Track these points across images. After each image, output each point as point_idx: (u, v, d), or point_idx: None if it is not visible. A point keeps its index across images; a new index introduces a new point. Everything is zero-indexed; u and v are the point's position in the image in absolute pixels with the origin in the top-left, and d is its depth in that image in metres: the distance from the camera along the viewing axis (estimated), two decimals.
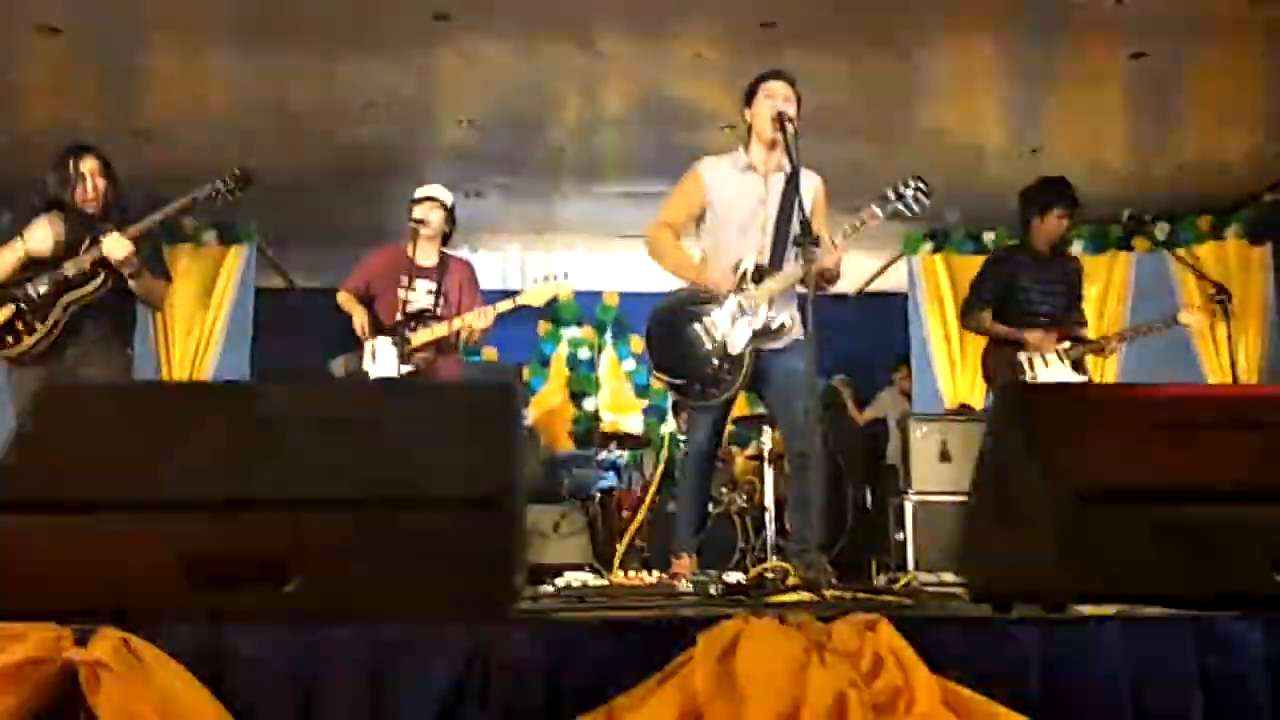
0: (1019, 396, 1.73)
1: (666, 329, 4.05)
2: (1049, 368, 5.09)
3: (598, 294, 9.01)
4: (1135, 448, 1.62)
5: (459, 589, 1.48)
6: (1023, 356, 5.16)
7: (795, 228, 3.68)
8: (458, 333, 4.75)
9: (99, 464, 1.53)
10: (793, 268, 3.90)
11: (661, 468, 7.40)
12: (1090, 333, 5.45)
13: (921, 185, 3.84)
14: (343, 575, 1.47)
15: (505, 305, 4.72)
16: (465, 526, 1.48)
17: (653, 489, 6.49)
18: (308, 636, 1.47)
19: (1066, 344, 5.19)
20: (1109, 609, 1.64)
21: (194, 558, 1.45)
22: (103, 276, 4.10)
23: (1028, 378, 5.07)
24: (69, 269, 4.07)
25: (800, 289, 3.89)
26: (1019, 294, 5.22)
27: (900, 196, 3.84)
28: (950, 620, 1.54)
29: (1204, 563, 1.57)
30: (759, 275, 3.95)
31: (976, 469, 1.83)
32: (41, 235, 4.07)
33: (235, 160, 6.69)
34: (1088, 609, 1.63)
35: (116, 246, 4.03)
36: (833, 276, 3.90)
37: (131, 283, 4.18)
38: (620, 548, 6.08)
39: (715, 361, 3.92)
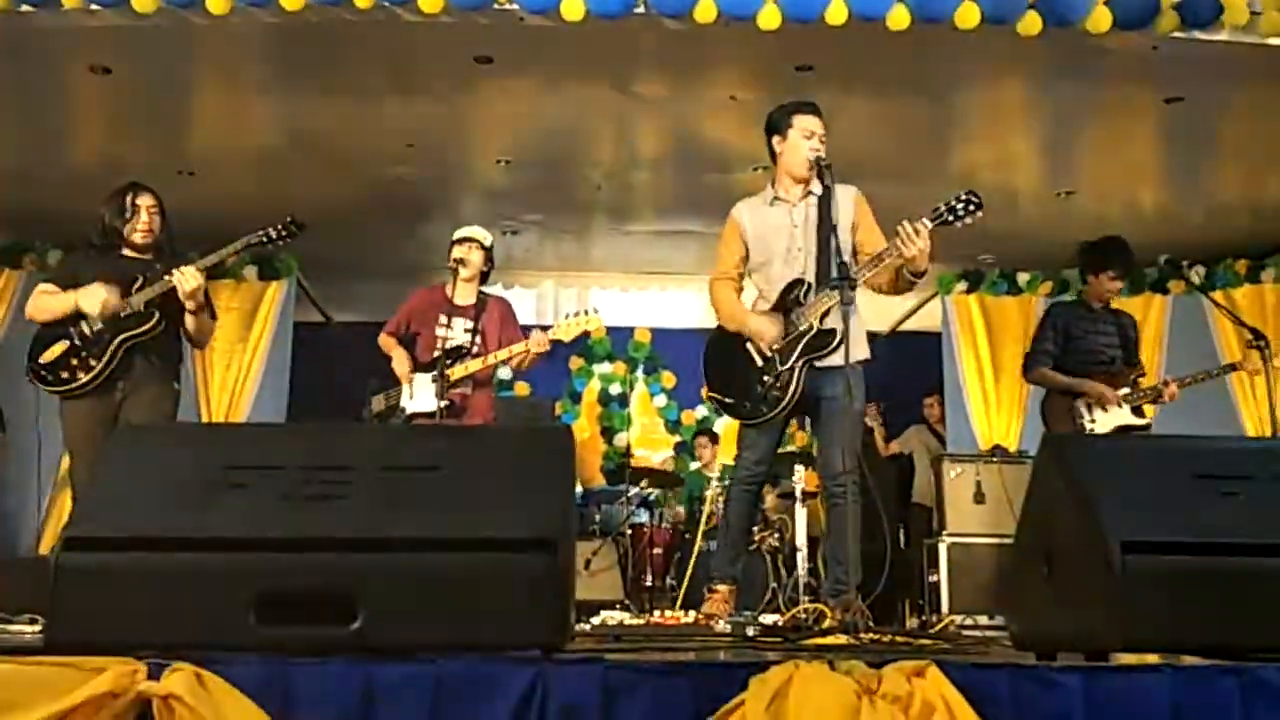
0: (1062, 447, 1.76)
1: (719, 349, 4.13)
2: (1109, 413, 5.22)
3: (630, 330, 9.06)
4: (1178, 499, 1.65)
5: (516, 628, 1.52)
6: (1082, 404, 5.31)
7: (834, 247, 3.72)
8: (493, 367, 4.85)
9: (172, 503, 1.59)
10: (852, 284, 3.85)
11: (692, 506, 7.44)
12: None
13: (974, 198, 3.82)
14: (405, 613, 1.52)
15: (536, 339, 4.77)
16: (523, 568, 1.53)
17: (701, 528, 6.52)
18: (370, 672, 1.51)
19: (1125, 391, 5.30)
20: (1152, 658, 1.66)
21: (263, 595, 1.51)
22: (157, 317, 4.19)
23: (1087, 424, 5.22)
24: (124, 310, 4.17)
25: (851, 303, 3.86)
26: (1077, 345, 5.40)
27: (951, 209, 3.82)
28: (996, 667, 1.57)
29: (1247, 612, 1.59)
30: (808, 294, 3.98)
31: (1021, 517, 1.85)
32: (93, 302, 4.16)
33: (276, 196, 6.94)
34: (1131, 658, 1.65)
35: (189, 278, 4.12)
36: (918, 269, 3.81)
37: (189, 319, 4.26)
38: (650, 585, 6.09)
39: (765, 379, 3.96)
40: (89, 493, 1.59)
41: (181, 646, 1.50)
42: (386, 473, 1.63)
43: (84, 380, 4.15)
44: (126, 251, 4.33)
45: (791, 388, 3.92)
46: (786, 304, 4.00)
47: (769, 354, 3.97)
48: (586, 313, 4.97)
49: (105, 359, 4.15)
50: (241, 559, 1.54)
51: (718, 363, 4.15)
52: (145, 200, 4.34)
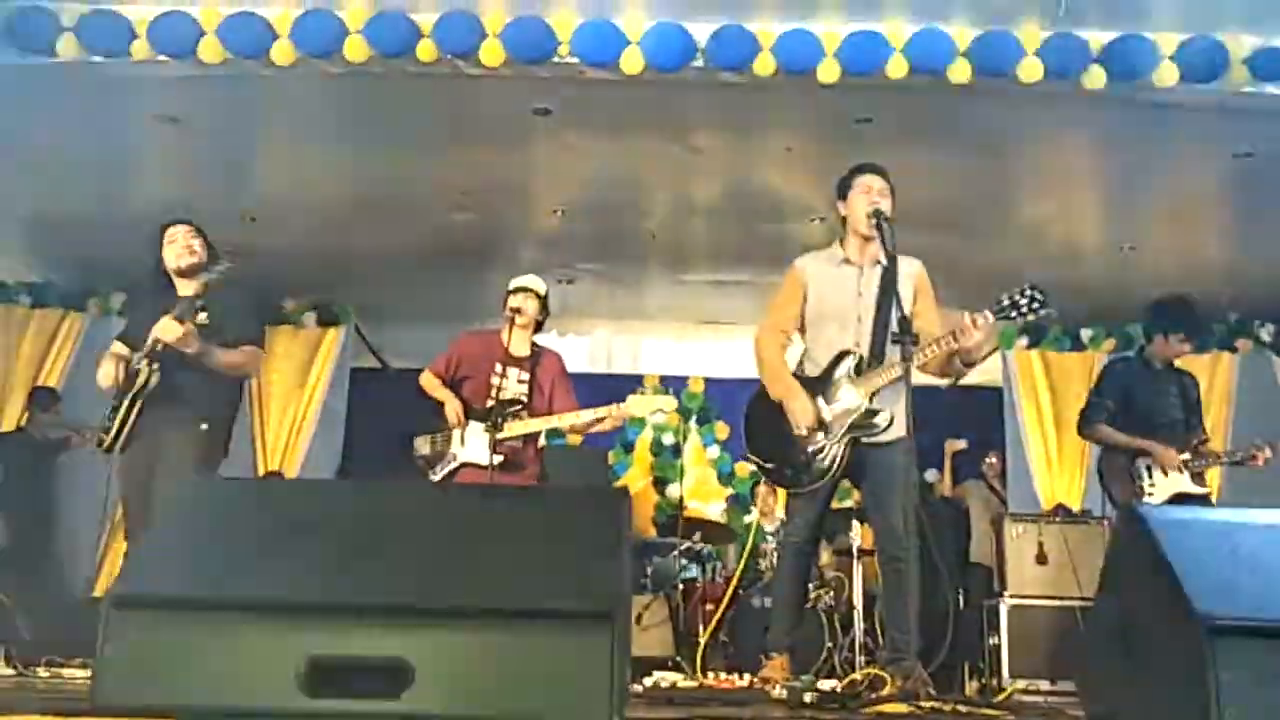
0: (1142, 523, 1.68)
1: (761, 410, 4.05)
2: (1168, 478, 5.06)
3: (683, 380, 9.01)
4: (1267, 578, 1.57)
5: (573, 701, 1.47)
6: (1142, 465, 5.14)
7: (894, 322, 3.65)
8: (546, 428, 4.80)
9: (222, 562, 1.56)
10: (896, 361, 3.82)
11: (746, 561, 7.33)
12: None
13: (1038, 295, 3.75)
14: (458, 685, 1.47)
15: (604, 414, 4.68)
16: (580, 641, 1.48)
17: (734, 583, 6.40)
18: None
19: (1187, 456, 5.16)
20: None
21: (312, 662, 1.47)
22: (149, 369, 4.18)
23: (1146, 487, 5.08)
24: (136, 361, 4.21)
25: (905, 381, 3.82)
26: (1138, 405, 5.27)
27: (1015, 304, 3.77)
28: None
29: None
30: (860, 368, 3.92)
31: (1097, 590, 1.77)
32: (103, 373, 4.26)
33: (336, 244, 7.02)
34: None
35: (166, 330, 4.12)
36: (972, 360, 3.80)
37: (203, 360, 4.23)
38: (703, 643, 5.97)
39: (809, 448, 3.88)
40: (139, 549, 1.57)
41: (227, 713, 1.46)
42: (441, 536, 1.59)
43: (108, 441, 4.20)
44: (181, 288, 4.35)
45: (834, 461, 3.87)
46: (834, 373, 3.93)
47: (805, 432, 3.89)
48: (665, 395, 4.88)
49: (119, 417, 4.18)
50: (293, 622, 1.50)
51: (759, 424, 4.07)
52: (179, 230, 4.41)
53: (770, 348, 4.09)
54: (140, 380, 4.15)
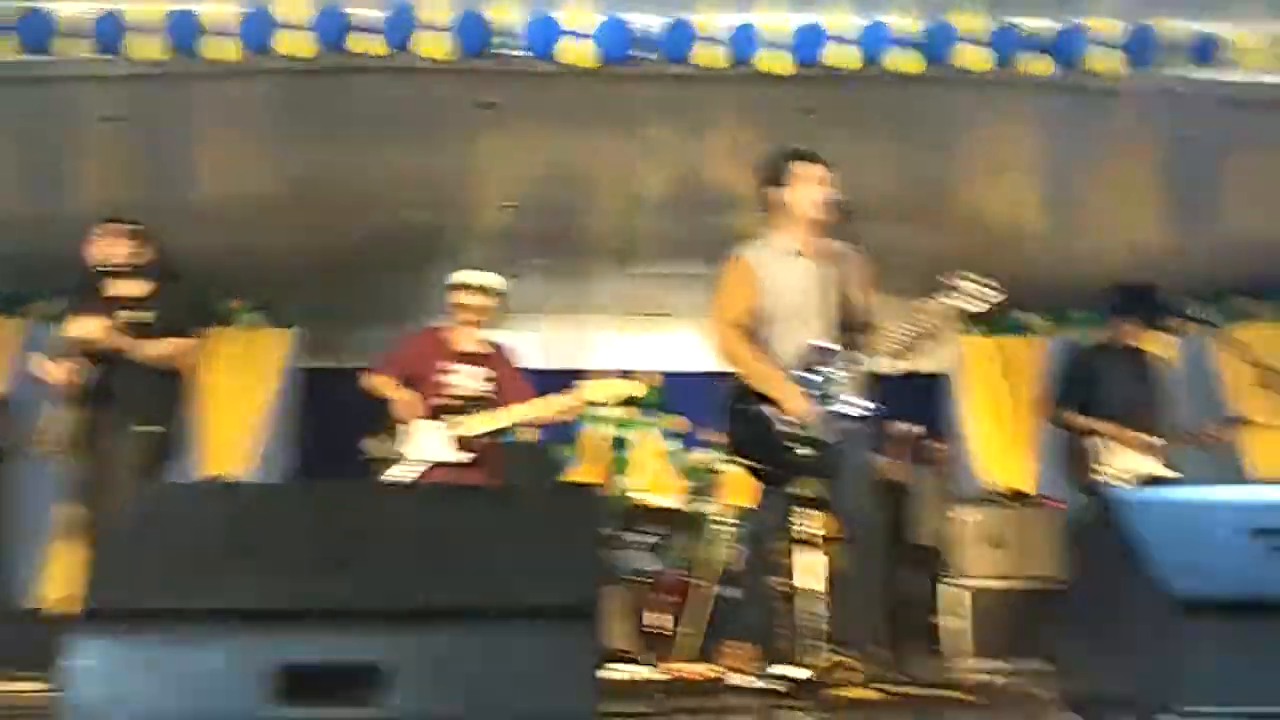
0: (1113, 502, 1.70)
1: (741, 408, 4.02)
2: (1136, 461, 5.15)
3: (632, 374, 8.98)
4: (1236, 556, 1.59)
5: (549, 697, 1.46)
6: (1105, 449, 5.24)
7: (847, 312, 3.70)
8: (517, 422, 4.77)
9: (190, 571, 1.53)
10: (859, 349, 3.89)
11: (703, 552, 7.34)
12: None
13: (993, 282, 3.83)
14: (433, 686, 1.45)
15: (567, 402, 4.65)
16: (556, 637, 1.46)
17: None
18: None
19: (1149, 438, 5.26)
20: None
21: (286, 668, 1.44)
22: (86, 372, 4.08)
23: (1113, 470, 5.11)
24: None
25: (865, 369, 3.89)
26: (1101, 389, 5.36)
27: (975, 290, 3.84)
28: None
29: None
30: (829, 359, 3.94)
31: (1069, 575, 1.79)
32: (86, 327, 4.17)
33: (279, 242, 6.92)
34: None
35: (83, 328, 4.04)
36: (933, 345, 3.96)
37: (135, 355, 4.14)
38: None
39: (794, 446, 3.89)
40: (105, 560, 1.53)
41: None
42: (410, 537, 1.57)
43: (53, 443, 4.11)
44: (117, 290, 4.26)
45: (821, 455, 3.89)
46: (807, 368, 3.94)
47: (800, 426, 3.90)
48: (625, 377, 4.81)
49: (65, 421, 4.08)
50: (262, 630, 1.47)
51: (740, 423, 4.04)
52: (108, 229, 4.31)
53: (737, 345, 4.04)
54: (80, 383, 4.06)
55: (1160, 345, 7.75)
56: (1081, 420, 5.36)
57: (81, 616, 1.48)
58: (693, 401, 8.58)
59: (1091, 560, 1.72)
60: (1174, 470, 5.26)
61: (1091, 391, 5.37)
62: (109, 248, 4.28)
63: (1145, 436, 5.24)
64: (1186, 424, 5.66)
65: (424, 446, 4.74)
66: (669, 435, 9.00)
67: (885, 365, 4.04)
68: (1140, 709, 1.59)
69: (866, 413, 3.93)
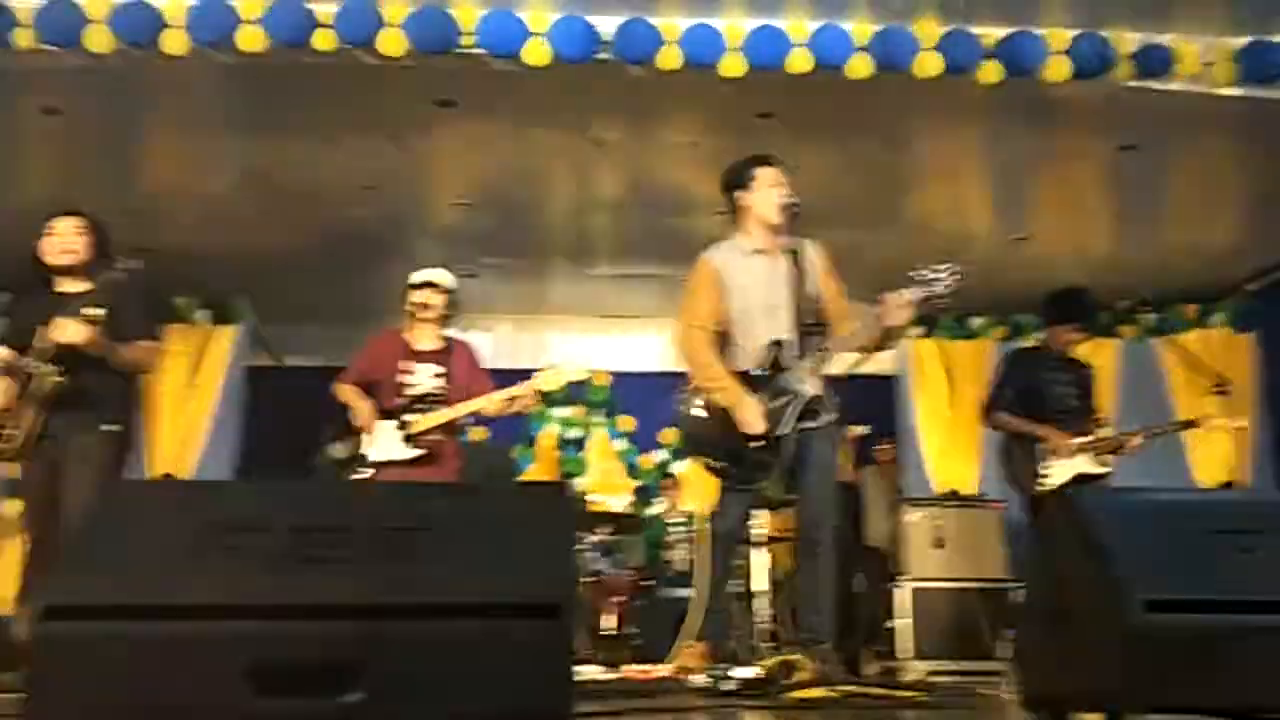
0: (1074, 502, 1.73)
1: (705, 414, 4.02)
2: (1068, 461, 5.28)
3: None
4: (1197, 555, 1.63)
5: (521, 696, 1.46)
6: (1041, 450, 5.37)
7: (812, 307, 3.75)
8: (466, 416, 4.76)
9: (158, 567, 1.51)
10: (820, 345, 3.93)
11: (652, 553, 7.36)
12: None
13: (955, 268, 3.88)
14: (405, 683, 1.44)
15: (521, 390, 4.65)
16: (527, 634, 1.46)
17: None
18: None
19: (1083, 439, 5.38)
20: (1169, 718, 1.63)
21: (255, 665, 1.42)
22: (57, 371, 4.00)
23: (1045, 470, 5.24)
24: (29, 366, 3.99)
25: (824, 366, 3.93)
26: (1036, 392, 5.49)
27: (937, 278, 3.88)
28: None
29: (1269, 672, 1.56)
30: (793, 356, 3.96)
31: (1029, 572, 1.82)
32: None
33: (229, 238, 6.83)
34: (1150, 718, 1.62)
35: (69, 331, 3.94)
36: (899, 335, 3.91)
37: (109, 359, 4.08)
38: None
39: (759, 445, 3.91)
40: (69, 556, 1.50)
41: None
42: (382, 534, 1.56)
43: (12, 449, 4.01)
44: (64, 286, 4.17)
45: (785, 453, 3.90)
46: (770, 364, 3.97)
47: (756, 433, 3.91)
48: (572, 363, 4.80)
49: (24, 423, 4.00)
50: (232, 627, 1.45)
51: (701, 426, 4.02)
52: (64, 222, 4.20)
53: (698, 348, 4.04)
54: (44, 385, 3.98)
55: (1095, 349, 7.97)
56: (1014, 422, 5.48)
57: (44, 613, 1.44)
58: (645, 402, 8.60)
59: (1053, 560, 1.75)
60: (1105, 469, 5.39)
61: (1026, 395, 5.50)
62: (68, 242, 4.16)
63: (1074, 438, 5.36)
64: (1126, 427, 5.79)
65: (379, 447, 4.71)
66: (620, 435, 9.01)
67: (850, 361, 4.08)
68: (1107, 709, 1.63)
69: (829, 410, 3.96)
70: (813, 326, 3.65)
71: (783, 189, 4.04)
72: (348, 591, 1.50)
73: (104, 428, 4.09)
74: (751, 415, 3.88)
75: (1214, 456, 7.35)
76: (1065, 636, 1.69)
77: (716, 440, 3.95)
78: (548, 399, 8.74)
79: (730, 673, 3.60)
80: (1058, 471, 5.32)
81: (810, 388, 3.93)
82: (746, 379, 3.97)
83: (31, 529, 4.02)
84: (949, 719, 1.46)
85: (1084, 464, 5.34)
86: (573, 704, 1.50)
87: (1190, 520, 1.70)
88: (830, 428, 3.99)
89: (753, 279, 4.06)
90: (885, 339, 3.91)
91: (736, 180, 4.15)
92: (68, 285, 4.18)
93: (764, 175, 4.10)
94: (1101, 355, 8.01)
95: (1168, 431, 5.75)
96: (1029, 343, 6.47)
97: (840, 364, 4.20)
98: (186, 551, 1.54)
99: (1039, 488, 5.31)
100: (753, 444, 3.88)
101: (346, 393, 4.85)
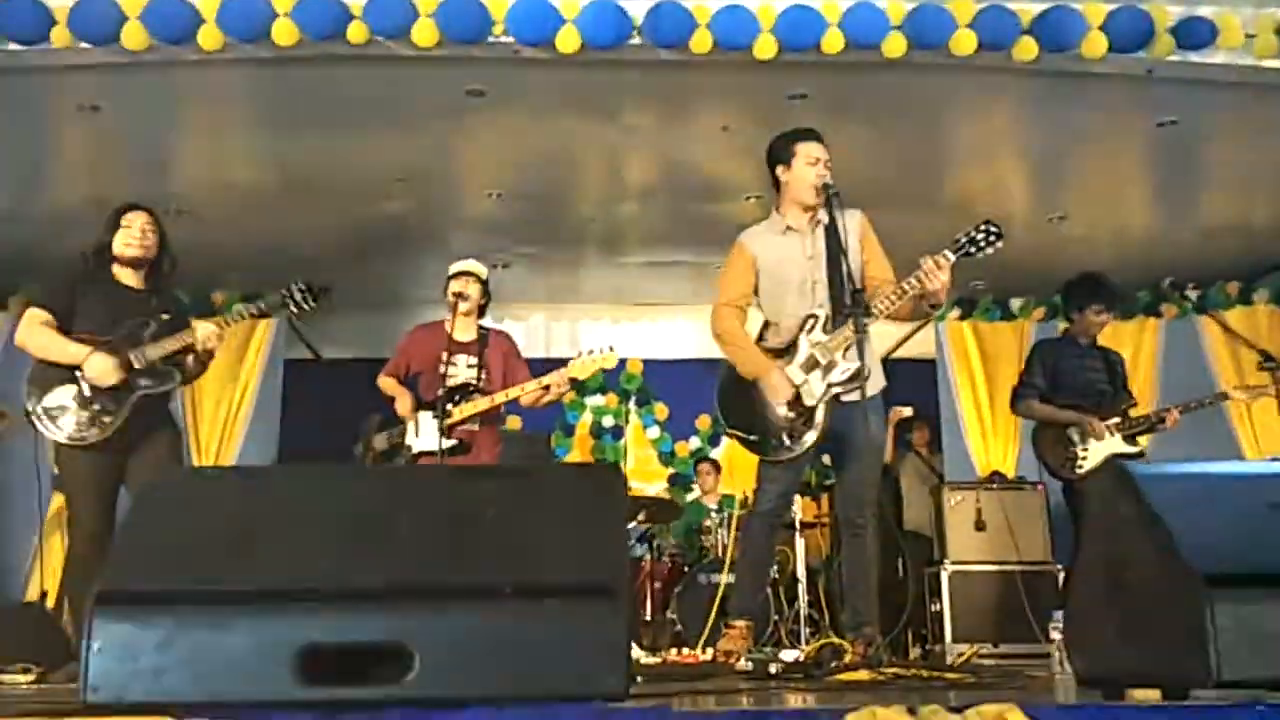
0: (1131, 476, 1.70)
1: (736, 385, 4.02)
2: (1102, 443, 5.27)
3: (621, 362, 8.98)
4: (1259, 529, 1.60)
5: (578, 678, 1.45)
6: (1074, 433, 5.42)
7: (848, 279, 3.71)
8: (501, 405, 4.78)
9: (209, 552, 1.51)
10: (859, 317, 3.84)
11: (690, 539, 7.35)
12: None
13: (993, 228, 3.80)
14: (461, 666, 1.44)
15: (554, 379, 4.69)
16: (585, 616, 1.45)
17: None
18: None
19: (1116, 420, 5.42)
20: (1235, 695, 1.60)
21: (308, 650, 1.43)
22: (179, 377, 4.11)
23: (1079, 454, 5.25)
24: (139, 361, 4.05)
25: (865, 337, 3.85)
26: (1067, 380, 5.53)
27: (973, 240, 3.82)
28: (1078, 707, 1.51)
29: None
30: (827, 329, 3.93)
31: (1081, 549, 1.80)
32: (98, 373, 4.01)
33: (267, 232, 6.86)
34: (1211, 694, 1.59)
35: (212, 337, 4.06)
36: (938, 301, 3.82)
37: (193, 365, 4.19)
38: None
39: (790, 414, 3.88)
40: (122, 543, 1.51)
41: (220, 705, 1.42)
42: (434, 517, 1.55)
43: (97, 436, 4.02)
44: (122, 278, 4.21)
45: (818, 423, 3.87)
46: (803, 339, 3.94)
47: (786, 403, 3.89)
48: (603, 350, 4.84)
49: (122, 415, 4.02)
50: (284, 611, 1.45)
51: (735, 398, 4.03)
52: (138, 216, 4.24)
53: (728, 324, 4.06)
54: (165, 386, 4.08)
55: (1138, 328, 7.89)
56: (1043, 409, 5.53)
57: (98, 599, 1.45)
58: (679, 389, 8.60)
59: (1109, 536, 1.72)
60: (1138, 449, 5.44)
61: (1056, 383, 5.54)
62: (139, 236, 4.21)
63: (1103, 420, 5.39)
64: (1167, 404, 5.77)
65: (421, 438, 4.76)
66: (654, 423, 9.01)
67: (892, 341, 4.04)
68: (1169, 685, 1.60)
69: (874, 381, 3.91)
70: (855, 296, 3.60)
71: (821, 166, 4.00)
72: (402, 575, 1.49)
73: (173, 424, 4.26)
74: (778, 383, 3.87)
75: (1264, 431, 7.24)
76: (1122, 613, 1.66)
77: (748, 412, 3.94)
78: (581, 387, 8.78)
79: (769, 655, 3.60)
80: (1092, 453, 5.32)
81: (848, 359, 3.87)
82: (781, 354, 3.96)
83: (89, 522, 4.03)
84: (999, 700, 1.44)
85: (1118, 444, 5.37)
86: (630, 686, 1.49)
87: (1247, 493, 1.67)
88: (876, 399, 3.94)
89: (783, 257, 4.04)
90: (925, 304, 3.83)
91: (779, 155, 4.13)
92: (128, 278, 4.23)
93: (804, 151, 4.06)
94: (1144, 336, 7.95)
95: (1203, 405, 5.70)
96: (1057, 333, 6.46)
97: (881, 345, 4.15)
98: (237, 538, 1.54)
99: (1077, 471, 5.31)
100: (784, 414, 3.86)
101: (389, 384, 4.93)
